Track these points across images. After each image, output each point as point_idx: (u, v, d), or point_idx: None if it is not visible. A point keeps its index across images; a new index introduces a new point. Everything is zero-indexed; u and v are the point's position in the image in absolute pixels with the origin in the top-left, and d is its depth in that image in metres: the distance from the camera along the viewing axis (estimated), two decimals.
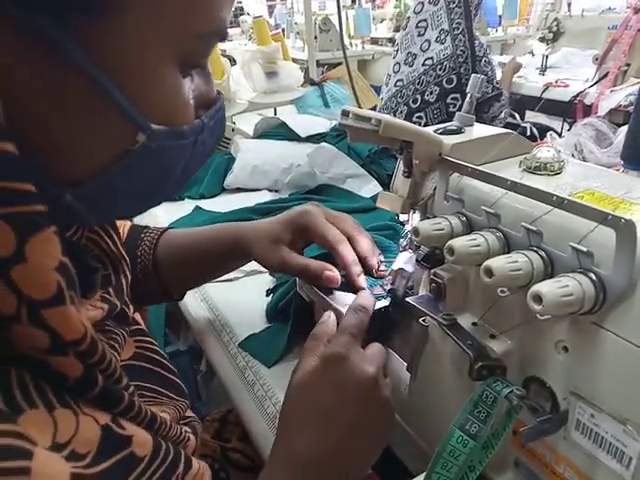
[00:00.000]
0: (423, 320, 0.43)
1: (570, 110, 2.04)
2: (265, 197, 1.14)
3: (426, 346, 0.44)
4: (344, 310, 0.52)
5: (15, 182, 0.26)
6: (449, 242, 0.34)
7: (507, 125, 1.48)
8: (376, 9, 4.56)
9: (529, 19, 4.04)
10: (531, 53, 2.78)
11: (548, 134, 1.56)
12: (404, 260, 0.50)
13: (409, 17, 1.32)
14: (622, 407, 0.31)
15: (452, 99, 1.25)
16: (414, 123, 0.44)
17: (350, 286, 0.56)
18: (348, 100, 1.98)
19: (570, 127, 1.93)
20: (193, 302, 0.79)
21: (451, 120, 0.46)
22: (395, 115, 1.29)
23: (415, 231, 0.38)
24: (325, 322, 0.49)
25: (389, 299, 0.53)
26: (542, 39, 2.64)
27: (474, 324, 0.40)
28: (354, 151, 1.19)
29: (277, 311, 0.72)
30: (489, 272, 0.31)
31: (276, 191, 1.19)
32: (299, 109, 1.98)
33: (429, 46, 1.26)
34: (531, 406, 0.35)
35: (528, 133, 1.79)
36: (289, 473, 0.40)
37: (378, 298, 0.54)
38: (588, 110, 1.91)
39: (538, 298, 0.29)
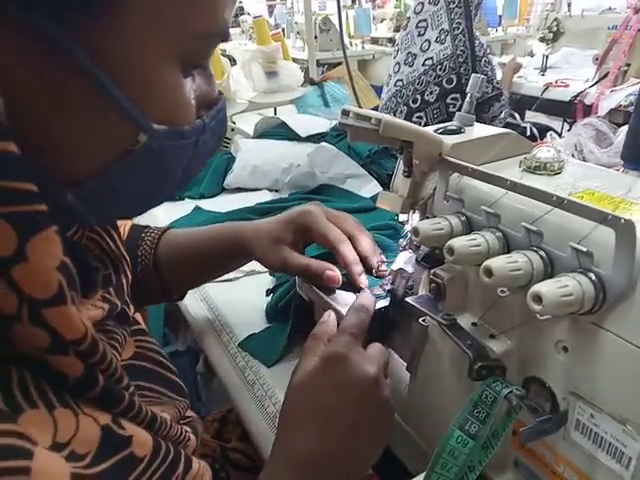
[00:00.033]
0: (423, 320, 0.43)
1: (570, 110, 2.04)
2: (265, 197, 1.14)
3: (426, 346, 0.44)
4: (344, 310, 0.52)
5: (16, 182, 0.26)
6: (449, 242, 0.34)
7: (507, 125, 1.48)
8: (376, 9, 4.56)
9: (529, 19, 4.04)
10: (530, 54, 2.78)
11: (548, 134, 1.56)
12: (404, 260, 0.50)
13: (409, 17, 1.32)
14: (622, 407, 0.31)
15: (452, 99, 1.25)
16: (414, 123, 0.44)
17: (351, 285, 0.56)
18: (348, 100, 1.98)
19: (570, 127, 1.93)
20: (193, 302, 0.79)
21: (451, 120, 0.46)
22: (395, 115, 1.29)
23: (415, 231, 0.38)
24: (325, 322, 0.49)
25: (389, 299, 0.53)
26: (542, 39, 2.63)
27: (474, 324, 0.40)
28: (354, 151, 1.19)
29: (277, 311, 0.72)
30: (489, 272, 0.31)
31: (276, 191, 1.19)
32: (299, 109, 1.98)
33: (429, 46, 1.26)
34: (531, 406, 0.35)
35: (528, 133, 1.79)
36: (289, 473, 0.40)
37: (378, 297, 0.54)
38: (588, 110, 1.91)
39: (538, 298, 0.29)
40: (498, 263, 0.31)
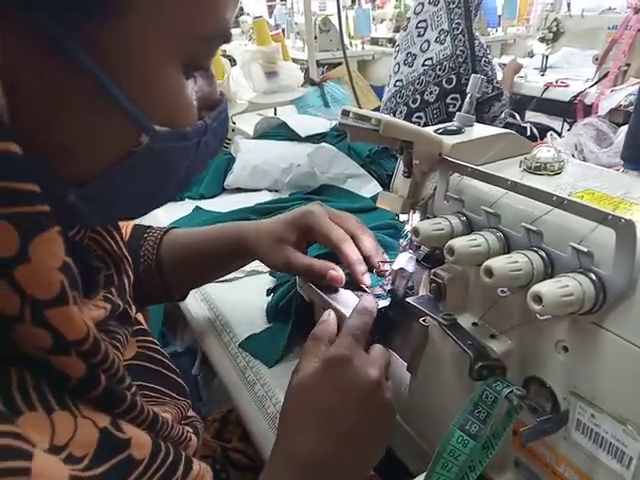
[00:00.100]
0: (423, 320, 0.43)
1: (570, 110, 2.04)
2: (265, 197, 1.14)
3: (426, 346, 0.44)
4: (344, 309, 0.52)
5: (19, 182, 0.26)
6: (449, 242, 0.34)
7: (507, 125, 1.48)
8: (376, 9, 4.56)
9: (529, 19, 4.04)
10: (530, 54, 2.78)
11: (548, 134, 1.56)
12: (404, 260, 0.50)
13: (409, 18, 1.32)
14: (622, 407, 0.31)
15: (452, 99, 1.25)
16: (414, 123, 0.44)
17: (354, 285, 0.56)
18: (348, 100, 1.98)
19: (570, 127, 1.93)
20: (193, 302, 0.79)
21: (451, 120, 0.46)
22: (395, 115, 1.29)
23: (415, 231, 0.38)
24: (325, 321, 0.49)
25: (389, 299, 0.53)
26: (542, 39, 2.63)
27: (474, 324, 0.40)
28: (354, 151, 1.19)
29: (277, 311, 0.72)
30: (489, 272, 0.31)
31: (276, 191, 1.19)
32: (299, 109, 1.98)
33: (429, 46, 1.26)
34: (531, 406, 0.35)
35: (528, 133, 1.79)
36: (289, 473, 0.40)
37: (379, 297, 0.54)
38: (588, 110, 1.91)
39: (538, 298, 0.29)
40: (498, 263, 0.31)
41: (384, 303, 0.52)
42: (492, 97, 1.34)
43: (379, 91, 1.89)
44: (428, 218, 0.41)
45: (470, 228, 0.38)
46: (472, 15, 1.23)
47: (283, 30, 3.78)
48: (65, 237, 0.28)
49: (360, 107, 1.64)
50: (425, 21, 1.26)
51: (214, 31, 0.32)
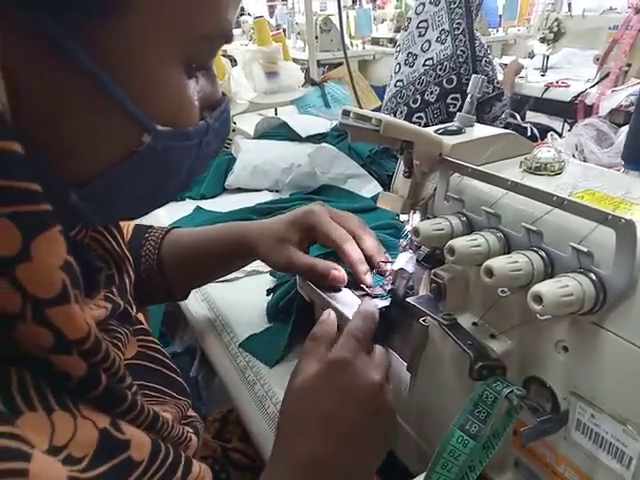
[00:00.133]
0: (423, 320, 0.43)
1: (571, 110, 2.04)
2: (266, 197, 1.14)
3: (426, 346, 0.44)
4: (344, 309, 0.52)
5: (21, 181, 0.26)
6: (449, 242, 0.34)
7: (507, 125, 1.48)
8: (377, 9, 4.57)
9: (530, 19, 4.04)
10: (530, 55, 2.78)
11: (549, 134, 1.56)
12: (404, 260, 0.50)
13: (410, 18, 1.32)
14: (622, 407, 0.31)
15: (452, 99, 1.25)
16: (414, 123, 0.44)
17: (355, 284, 0.56)
18: (349, 100, 1.98)
19: (571, 127, 1.93)
20: (193, 302, 0.80)
21: (451, 120, 0.46)
22: (395, 115, 1.29)
23: (415, 231, 0.38)
24: (325, 321, 0.49)
25: (389, 299, 0.53)
26: (543, 39, 2.63)
27: (474, 324, 0.40)
28: (355, 151, 1.19)
29: (277, 310, 0.72)
30: (489, 272, 0.31)
31: (277, 191, 1.19)
32: (300, 109, 1.98)
33: (429, 46, 1.26)
34: (531, 406, 0.35)
35: (529, 133, 1.79)
36: (290, 474, 0.40)
37: (379, 297, 0.54)
38: (589, 110, 1.91)
39: (538, 298, 0.29)
40: (499, 263, 0.31)
41: (384, 303, 0.52)
42: (493, 97, 1.34)
43: (380, 91, 1.89)
44: (428, 218, 0.41)
45: (470, 228, 0.38)
46: (473, 15, 1.23)
47: (284, 30, 3.79)
48: (66, 236, 0.28)
49: (361, 107, 1.64)
50: (426, 21, 1.26)
51: (215, 31, 0.32)
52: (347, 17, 3.76)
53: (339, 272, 0.56)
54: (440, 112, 1.26)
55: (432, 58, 1.25)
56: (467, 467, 0.35)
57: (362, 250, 0.58)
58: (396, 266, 0.51)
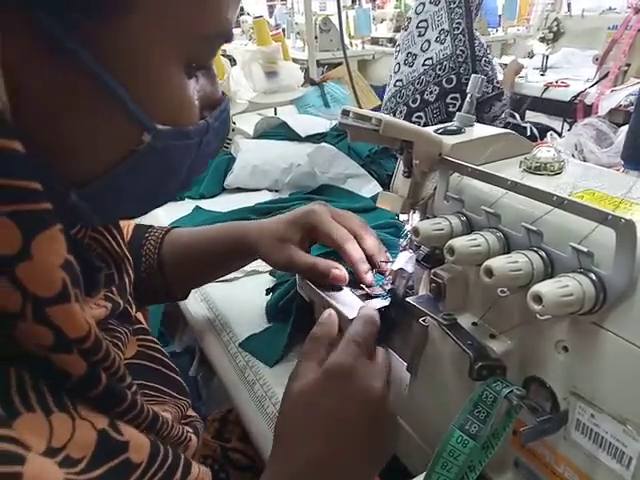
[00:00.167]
0: (423, 320, 0.43)
1: (570, 110, 2.04)
2: (265, 197, 1.14)
3: (426, 346, 0.44)
4: (344, 309, 0.52)
5: (21, 180, 0.26)
6: (449, 242, 0.34)
7: (507, 125, 1.48)
8: (376, 9, 4.56)
9: (529, 19, 4.04)
10: (530, 54, 2.78)
11: (548, 134, 1.56)
12: (404, 260, 0.50)
13: (410, 18, 1.32)
14: (622, 407, 0.31)
15: (452, 99, 1.25)
16: (414, 123, 0.44)
17: (355, 283, 0.56)
18: (348, 100, 1.98)
19: (570, 127, 1.93)
20: (193, 302, 0.79)
21: (450, 120, 0.46)
22: (395, 115, 1.29)
23: (415, 231, 0.38)
24: (325, 322, 0.48)
25: (389, 299, 0.53)
26: (542, 39, 2.64)
27: (474, 324, 0.40)
28: (354, 151, 1.19)
29: (277, 310, 0.72)
30: (489, 272, 0.31)
31: (276, 191, 1.19)
32: (299, 109, 1.98)
33: (429, 46, 1.26)
34: (531, 406, 0.35)
35: (528, 133, 1.79)
36: (290, 477, 0.40)
37: (379, 297, 0.54)
38: (588, 110, 1.91)
39: (538, 298, 0.29)
40: (498, 263, 0.31)
41: (384, 303, 0.52)
42: (492, 97, 1.34)
43: (379, 91, 1.89)
44: (428, 218, 0.41)
45: (470, 228, 0.38)
46: (472, 15, 1.23)
47: (283, 30, 3.78)
48: (67, 235, 0.28)
49: (360, 107, 1.64)
50: (426, 21, 1.26)
51: (216, 31, 0.32)
52: (346, 17, 3.76)
53: (340, 271, 0.56)
54: (439, 112, 1.26)
55: (432, 58, 1.25)
56: (467, 467, 0.35)
57: (363, 250, 0.58)
58: (396, 266, 0.51)
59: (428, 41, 1.26)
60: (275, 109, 2.05)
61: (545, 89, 2.18)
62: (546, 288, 0.29)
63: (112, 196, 0.33)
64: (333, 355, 0.43)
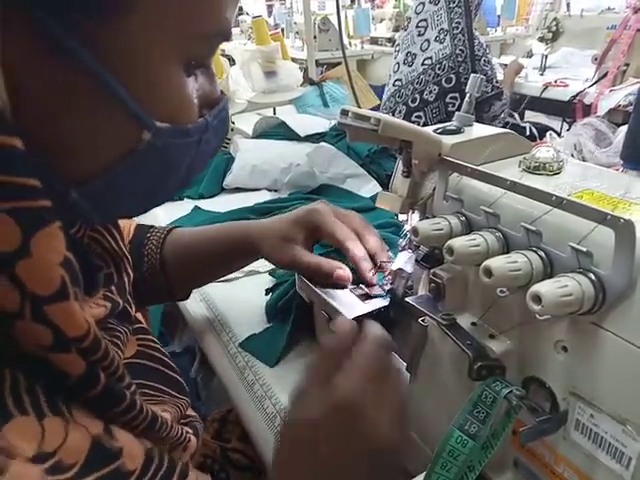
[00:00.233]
0: (422, 320, 0.43)
1: (569, 110, 2.04)
2: (264, 197, 1.14)
3: (425, 346, 0.44)
4: (344, 309, 0.52)
5: (21, 177, 0.26)
6: (448, 242, 0.34)
7: (506, 125, 1.48)
8: (375, 9, 4.56)
9: (528, 19, 4.04)
10: (529, 54, 2.78)
11: (547, 134, 1.56)
12: (403, 260, 0.50)
13: (410, 17, 1.32)
14: (622, 407, 0.31)
15: (451, 98, 1.25)
16: (413, 122, 0.44)
17: (356, 282, 0.57)
18: (347, 100, 1.98)
19: (569, 127, 1.94)
20: (192, 302, 0.79)
21: (450, 119, 0.46)
22: (394, 115, 1.29)
23: (414, 231, 0.38)
24: (340, 334, 0.41)
25: (388, 299, 0.53)
26: (541, 39, 2.64)
27: (473, 324, 0.40)
28: (353, 151, 1.19)
29: (277, 310, 0.72)
30: (488, 272, 0.31)
31: (275, 191, 1.19)
32: (298, 109, 1.99)
33: (428, 45, 1.26)
34: (530, 406, 0.35)
35: (527, 133, 1.80)
36: None
37: (379, 297, 0.54)
38: (587, 110, 1.91)
39: (537, 298, 0.29)
40: (498, 263, 0.31)
41: (383, 303, 0.52)
42: (492, 97, 1.34)
43: (378, 91, 1.89)
44: (427, 218, 0.41)
45: (469, 228, 0.38)
46: (472, 14, 1.23)
47: (282, 30, 3.78)
48: (66, 233, 0.28)
49: (359, 107, 1.64)
50: (425, 20, 1.26)
51: (215, 30, 0.32)
52: (345, 17, 3.75)
53: (344, 271, 0.57)
54: (439, 111, 1.26)
55: (431, 57, 1.25)
56: (466, 467, 0.35)
57: (365, 248, 0.58)
58: (395, 266, 0.51)
59: (427, 40, 1.26)
60: (274, 109, 2.05)
61: (544, 89, 2.18)
62: (545, 288, 0.29)
63: (112, 194, 0.33)
64: (340, 386, 0.37)
